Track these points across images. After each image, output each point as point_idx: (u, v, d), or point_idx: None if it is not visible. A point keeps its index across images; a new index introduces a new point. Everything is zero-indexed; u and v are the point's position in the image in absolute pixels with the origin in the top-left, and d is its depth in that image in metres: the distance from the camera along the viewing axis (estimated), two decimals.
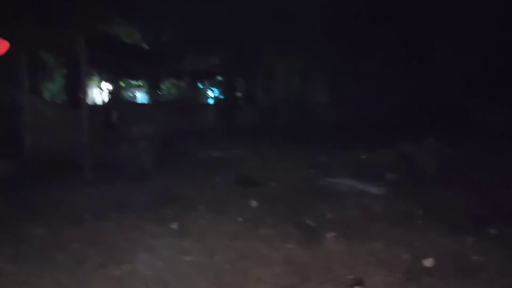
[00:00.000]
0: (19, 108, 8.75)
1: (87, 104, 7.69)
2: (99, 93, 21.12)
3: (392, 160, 7.86)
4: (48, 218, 4.92)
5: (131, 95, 24.38)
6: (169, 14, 15.74)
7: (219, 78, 18.48)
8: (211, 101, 20.41)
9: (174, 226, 4.65)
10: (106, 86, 20.34)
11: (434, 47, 13.67)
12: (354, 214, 5.18)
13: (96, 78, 19.10)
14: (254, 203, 5.62)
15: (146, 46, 17.04)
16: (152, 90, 17.34)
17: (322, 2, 13.30)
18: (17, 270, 3.53)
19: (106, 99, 18.95)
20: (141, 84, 21.93)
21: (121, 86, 18.20)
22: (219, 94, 20.08)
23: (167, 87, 19.89)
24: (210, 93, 21.68)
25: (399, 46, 13.61)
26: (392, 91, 14.28)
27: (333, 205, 5.49)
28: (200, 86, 19.40)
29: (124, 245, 4.11)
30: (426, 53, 13.85)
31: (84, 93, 7.81)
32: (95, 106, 10.34)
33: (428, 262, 3.62)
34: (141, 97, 24.53)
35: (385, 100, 14.03)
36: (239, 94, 18.83)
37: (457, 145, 8.49)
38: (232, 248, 4.04)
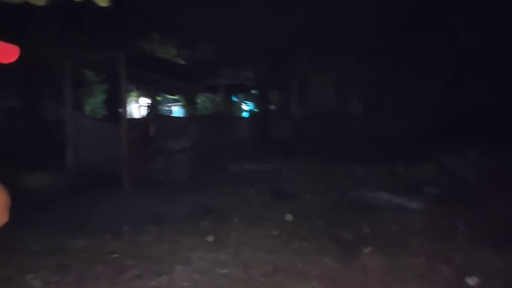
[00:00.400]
0: (63, 123, 9.16)
1: (126, 118, 7.94)
2: (137, 107, 21.79)
3: (431, 173, 7.62)
4: (89, 229, 5.08)
5: (168, 109, 24.99)
6: (204, 29, 16.11)
7: (253, 91, 18.64)
8: (245, 114, 20.59)
9: (210, 238, 4.69)
10: (144, 100, 20.97)
11: (472, 57, 13.24)
12: (392, 228, 5.04)
13: (134, 93, 19.73)
14: (289, 216, 5.59)
15: (182, 61, 17.47)
16: (187, 104, 17.73)
17: (358, 14, 13.23)
18: (60, 280, 3.66)
19: (144, 113, 19.52)
20: (177, 98, 22.45)
21: (158, 100, 18.70)
22: (253, 107, 20.23)
23: (202, 100, 20.26)
24: (244, 106, 21.89)
25: (437, 57, 13.29)
26: (430, 102, 13.92)
27: (370, 219, 5.37)
28: (235, 99, 19.62)
29: (161, 257, 4.18)
30: (463, 63, 13.45)
31: (124, 108, 8.08)
32: (133, 120, 10.67)
33: (471, 281, 3.46)
34: (177, 111, 25.10)
35: (423, 112, 13.66)
36: (273, 106, 18.91)
37: (500, 157, 8.13)
38: (267, 262, 4.02)
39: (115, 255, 4.22)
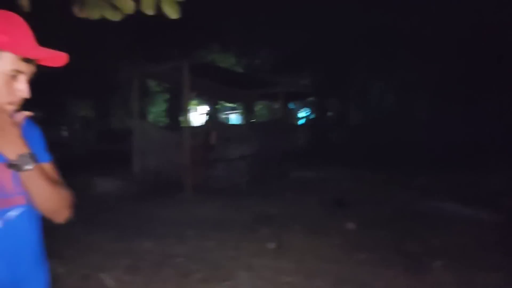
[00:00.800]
0: (130, 132, 9.67)
1: (188, 126, 8.21)
2: (197, 115, 22.48)
3: (505, 183, 7.12)
4: (155, 233, 5.29)
5: (225, 116, 25.52)
6: (262, 38, 16.33)
7: (311, 98, 18.54)
8: (302, 122, 20.49)
9: (271, 245, 4.70)
10: (203, 108, 21.59)
11: None
12: (463, 241, 4.76)
13: (194, 102, 20.38)
14: (350, 226, 5.46)
15: (240, 70, 17.81)
16: (246, 112, 18.00)
17: (422, 16, 12.74)
18: (131, 280, 3.85)
19: (203, 121, 20.08)
20: (235, 106, 22.88)
21: (217, 108, 19.19)
22: (310, 114, 20.09)
23: (259, 108, 20.48)
24: (301, 113, 21.80)
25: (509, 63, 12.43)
26: (501, 109, 13.04)
27: (438, 231, 5.12)
28: (292, 106, 19.62)
29: (224, 262, 4.25)
30: None
31: (186, 116, 8.36)
32: (194, 128, 11.00)
33: None
34: (235, 118, 25.55)
35: (493, 119, 12.82)
36: (330, 113, 18.67)
37: None
38: (330, 272, 3.96)
39: (181, 259, 4.35)
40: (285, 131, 12.22)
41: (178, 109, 18.98)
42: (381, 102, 17.66)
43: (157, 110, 21.65)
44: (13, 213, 1.09)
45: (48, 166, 1.19)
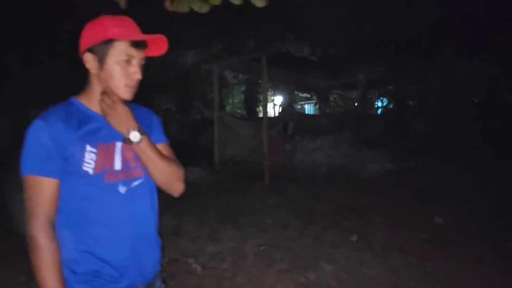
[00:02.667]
0: (210, 123, 10.00)
1: (266, 117, 8.30)
2: (273, 106, 22.64)
3: None
4: (236, 221, 5.44)
5: (300, 107, 25.39)
6: (338, 25, 15.91)
7: (389, 86, 17.74)
8: (380, 111, 19.71)
9: (353, 238, 4.62)
10: (279, 99, 21.67)
11: None
12: None
13: (270, 92, 20.55)
14: (438, 220, 5.18)
15: (315, 59, 17.56)
16: (320, 102, 17.73)
17: None
18: (216, 267, 4.01)
19: (280, 112, 20.16)
20: (309, 95, 22.66)
21: (293, 98, 19.15)
22: (388, 103, 19.25)
23: (334, 98, 20.06)
24: (379, 102, 20.99)
25: None
26: None
27: None
28: (369, 95, 18.95)
29: (306, 253, 4.26)
30: None
31: (264, 107, 8.45)
32: (272, 118, 11.10)
33: None
34: (309, 108, 25.33)
35: None
36: (411, 102, 17.72)
37: None
38: (417, 267, 3.80)
39: (263, 248, 4.44)
40: (363, 121, 11.87)
41: (254, 100, 19.30)
42: (467, 90, 16.35)
43: (234, 101, 22.16)
44: (134, 183, 1.31)
45: (164, 146, 1.44)
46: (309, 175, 8.13)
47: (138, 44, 1.27)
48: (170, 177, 1.36)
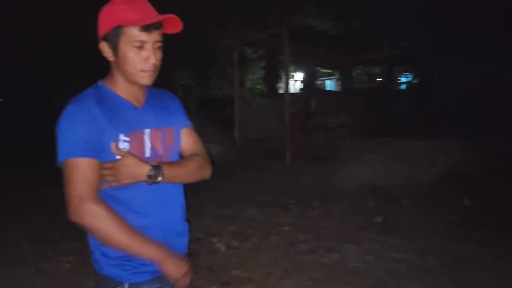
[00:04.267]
0: (229, 99, 9.87)
1: (288, 94, 8.12)
2: (293, 82, 22.30)
3: None
4: (258, 201, 5.40)
5: (321, 83, 24.94)
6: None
7: (414, 61, 17.18)
8: (404, 87, 19.19)
9: (379, 219, 4.51)
10: (300, 75, 21.30)
11: None
12: None
13: (291, 68, 20.19)
14: (467, 202, 5.01)
15: (337, 34, 17.08)
16: (343, 78, 17.36)
17: None
18: (240, 246, 3.98)
19: (301, 88, 19.85)
20: (331, 71, 22.19)
21: (314, 75, 18.78)
22: (413, 79, 18.68)
23: (357, 74, 19.58)
24: (403, 77, 20.41)
25: None
26: None
27: None
28: (393, 71, 18.43)
29: (330, 234, 4.19)
30: None
31: (286, 84, 8.26)
32: (293, 95, 10.88)
33: None
34: (330, 84, 24.87)
35: None
36: (436, 77, 17.14)
37: None
38: (447, 251, 3.67)
39: (286, 228, 4.39)
40: (386, 97, 11.57)
41: (275, 76, 18.99)
42: (497, 66, 15.67)
43: (254, 78, 21.89)
44: None
45: (189, 130, 1.45)
46: (332, 153, 7.99)
47: (149, 28, 1.23)
48: (198, 177, 1.40)
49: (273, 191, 5.89)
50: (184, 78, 18.58)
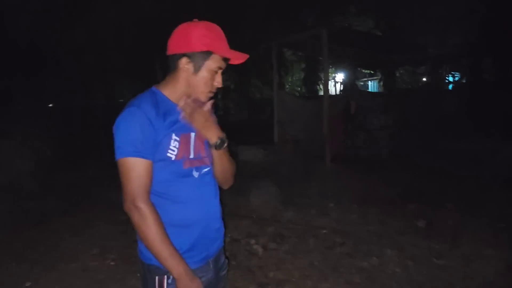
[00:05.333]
0: (268, 102, 9.90)
1: (327, 96, 8.04)
2: (333, 83, 22.03)
3: None
4: (297, 203, 5.37)
5: (363, 83, 24.47)
6: None
7: (462, 59, 16.45)
8: (451, 86, 18.43)
9: (421, 223, 4.37)
10: (340, 76, 21.01)
11: None
12: None
13: (331, 69, 19.96)
14: None
15: (379, 33, 16.70)
16: (385, 78, 16.94)
17: None
18: (277, 248, 3.99)
19: (340, 90, 19.59)
20: (372, 72, 21.73)
21: (354, 76, 18.47)
22: (461, 78, 17.90)
23: (401, 73, 19.05)
24: (450, 77, 19.61)
25: None
26: None
27: None
28: (439, 70, 17.76)
29: (369, 238, 4.11)
30: None
31: (325, 85, 8.18)
32: (332, 97, 10.75)
33: None
34: (372, 85, 24.34)
35: None
36: (487, 76, 16.32)
37: None
38: (495, 258, 3.51)
39: (324, 231, 4.35)
40: (432, 98, 11.16)
41: (314, 78, 18.85)
42: None
43: (293, 80, 21.84)
44: (204, 170, 1.48)
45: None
46: (372, 156, 7.82)
47: (227, 59, 1.46)
48: (228, 175, 1.59)
49: (312, 193, 5.84)
50: (224, 81, 18.86)
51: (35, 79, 14.40)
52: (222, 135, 1.48)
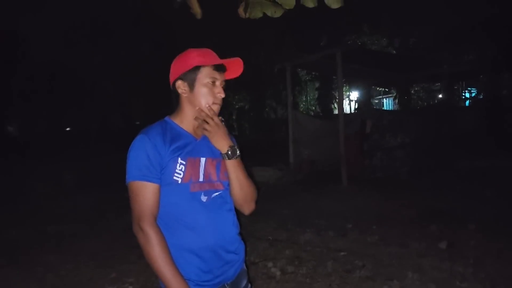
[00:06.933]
0: (283, 121, 9.90)
1: (342, 115, 8.02)
2: (347, 102, 22.00)
3: None
4: (314, 224, 5.31)
5: (378, 101, 24.37)
6: (417, 14, 14.90)
7: (478, 76, 16.30)
8: (467, 102, 18.22)
9: (443, 245, 4.26)
10: (354, 95, 20.98)
11: None
12: None
13: (345, 88, 19.97)
14: None
15: (393, 51, 16.70)
16: (400, 96, 16.84)
17: None
18: (295, 271, 3.93)
19: (355, 108, 19.53)
20: (387, 90, 21.64)
21: (369, 94, 18.44)
22: (478, 94, 17.70)
23: (416, 90, 18.93)
24: (467, 93, 19.41)
25: None
26: None
27: None
28: (455, 86, 17.60)
29: (390, 260, 4.02)
30: None
31: (340, 105, 8.18)
32: (347, 116, 10.70)
33: None
34: (388, 103, 24.22)
35: None
36: (505, 92, 16.10)
37: None
38: None
39: (343, 253, 4.28)
40: (449, 115, 11.02)
41: (329, 97, 18.86)
42: None
43: (307, 99, 21.89)
44: (215, 194, 1.50)
45: (238, 160, 1.57)
46: (390, 175, 7.72)
47: (219, 68, 1.52)
48: (248, 196, 1.57)
49: (330, 214, 5.77)
50: (239, 102, 19.01)
51: (54, 104, 14.78)
52: (233, 144, 1.52)
